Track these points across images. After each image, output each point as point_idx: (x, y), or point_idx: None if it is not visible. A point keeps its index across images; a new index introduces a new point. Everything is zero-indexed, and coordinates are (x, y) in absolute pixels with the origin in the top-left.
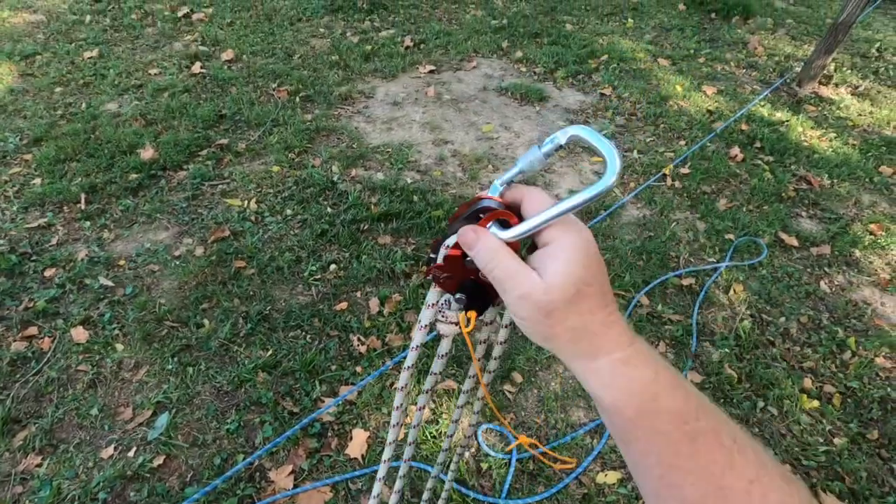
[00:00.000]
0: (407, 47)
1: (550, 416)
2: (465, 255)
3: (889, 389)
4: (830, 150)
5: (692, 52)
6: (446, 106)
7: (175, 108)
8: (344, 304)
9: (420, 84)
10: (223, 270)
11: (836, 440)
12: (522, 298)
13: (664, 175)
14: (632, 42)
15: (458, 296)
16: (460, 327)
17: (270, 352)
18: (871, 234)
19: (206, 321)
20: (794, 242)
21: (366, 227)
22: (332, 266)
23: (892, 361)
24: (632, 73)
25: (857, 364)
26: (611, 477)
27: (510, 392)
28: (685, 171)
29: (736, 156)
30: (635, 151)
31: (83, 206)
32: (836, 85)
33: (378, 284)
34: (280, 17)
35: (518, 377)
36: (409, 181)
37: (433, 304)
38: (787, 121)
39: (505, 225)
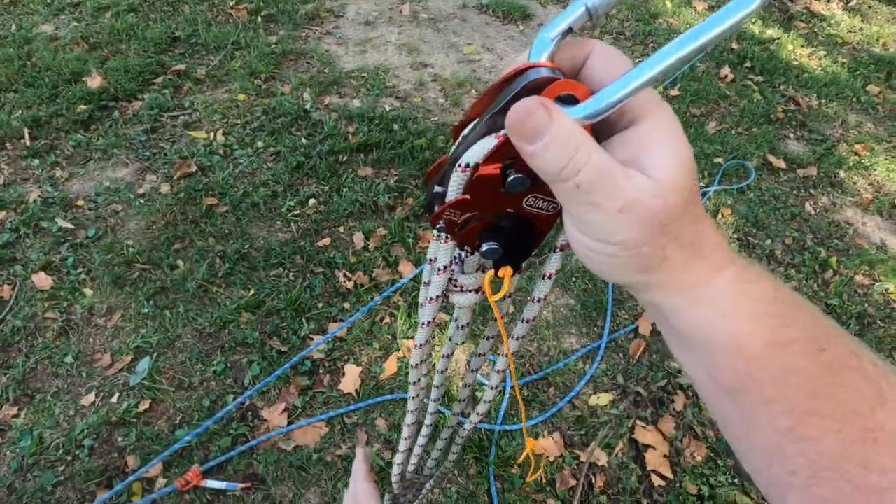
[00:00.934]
0: None
1: (543, 343)
2: (506, 173)
3: (866, 305)
4: (819, 69)
5: None
6: (424, 26)
7: (121, 29)
8: (327, 240)
9: (394, 1)
10: (193, 208)
11: None
12: (625, 211)
13: None
14: None
15: (486, 247)
16: (486, 294)
17: (252, 291)
18: (855, 154)
19: (179, 262)
20: (782, 165)
21: (344, 159)
22: (312, 201)
23: (870, 279)
24: None
25: (837, 283)
26: (603, 399)
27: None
28: (675, 92)
29: (726, 76)
30: None
31: (28, 143)
32: (829, 0)
33: (361, 219)
34: None
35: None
36: (387, 108)
37: (444, 268)
38: (778, 38)
39: (570, 102)
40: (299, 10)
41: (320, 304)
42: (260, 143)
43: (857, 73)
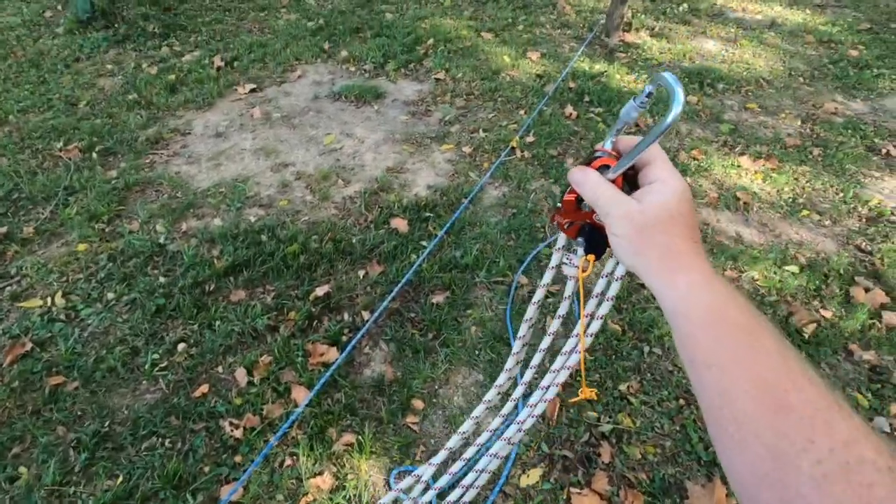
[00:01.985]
0: (219, 68)
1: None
2: (579, 199)
3: None
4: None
5: (510, 21)
6: (278, 125)
7: None
8: (204, 388)
9: (243, 107)
10: (33, 396)
11: None
12: (622, 217)
13: (513, 148)
14: (453, 20)
15: (578, 240)
16: (580, 271)
17: (121, 478)
18: (694, 159)
19: (22, 469)
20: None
21: (212, 288)
22: (181, 346)
23: (737, 271)
24: (460, 53)
25: None
26: (533, 476)
27: (414, 423)
28: (531, 139)
29: (571, 114)
30: (480, 130)
31: None
32: (637, 30)
33: (241, 350)
34: (51, 61)
35: (418, 403)
36: (252, 220)
37: (561, 248)
38: (605, 71)
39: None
40: (139, 137)
41: (206, 468)
42: (110, 295)
43: None
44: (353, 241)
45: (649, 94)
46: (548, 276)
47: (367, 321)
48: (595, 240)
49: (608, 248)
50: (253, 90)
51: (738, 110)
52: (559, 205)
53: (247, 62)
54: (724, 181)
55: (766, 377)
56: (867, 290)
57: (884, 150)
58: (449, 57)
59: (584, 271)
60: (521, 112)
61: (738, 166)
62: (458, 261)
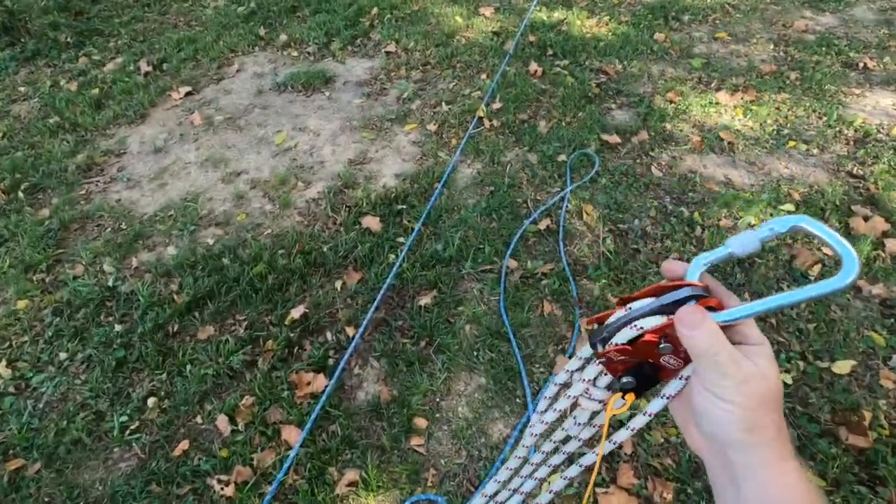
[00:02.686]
0: (146, 73)
1: (471, 447)
2: (659, 340)
3: None
4: (611, 34)
5: None
6: (222, 129)
7: None
8: (184, 444)
9: (180, 114)
10: None
11: None
12: (744, 383)
13: (480, 118)
14: None
15: (625, 379)
16: (606, 408)
17: None
18: (671, 102)
19: None
20: (617, 139)
21: (176, 328)
22: (150, 400)
23: (733, 218)
24: (409, 19)
25: (708, 236)
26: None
27: (419, 445)
28: (497, 105)
29: (536, 71)
30: (443, 104)
31: None
32: None
33: (219, 394)
34: None
35: (421, 422)
36: (210, 242)
37: (590, 380)
38: (565, 18)
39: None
40: (69, 166)
41: None
42: (62, 356)
43: (641, 26)
44: (324, 249)
45: (779, 235)
46: (563, 403)
47: (353, 338)
48: (646, 380)
49: (657, 384)
50: (189, 93)
51: (707, 41)
52: (606, 335)
53: (177, 62)
54: (704, 122)
55: None
56: (866, 218)
57: (860, 64)
58: (397, 25)
59: (614, 410)
60: (483, 76)
61: (717, 103)
62: (440, 254)
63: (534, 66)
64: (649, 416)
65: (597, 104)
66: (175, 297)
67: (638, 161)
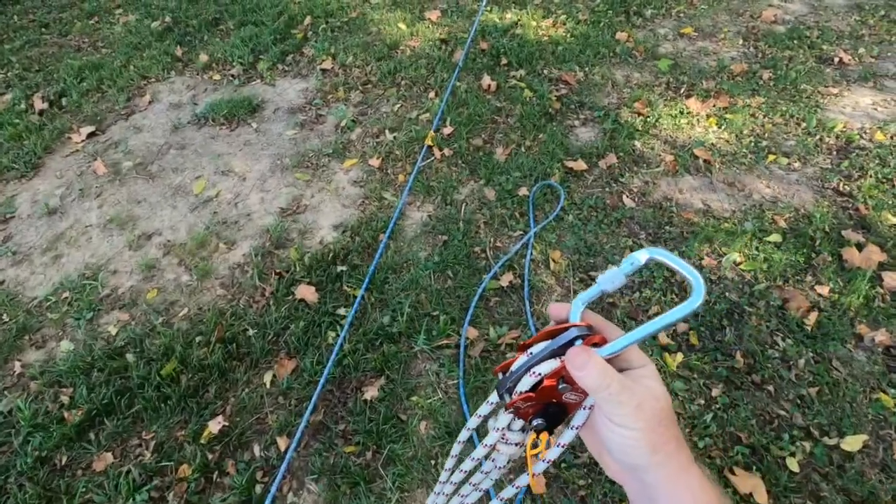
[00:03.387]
0: (41, 112)
1: None
2: (558, 382)
3: (727, 293)
4: (569, 35)
5: None
6: (131, 179)
7: None
8: None
9: (81, 161)
10: None
11: (713, 392)
12: (639, 408)
13: (430, 148)
14: None
15: (536, 422)
16: (525, 450)
17: None
18: (639, 115)
19: None
20: (583, 165)
21: (65, 460)
22: None
23: (716, 255)
24: (346, 29)
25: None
26: None
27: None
28: (448, 130)
29: (489, 86)
30: (387, 131)
31: None
32: None
33: None
34: None
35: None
36: (112, 332)
37: (502, 429)
38: (518, 20)
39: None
40: None
41: None
42: None
43: (601, 25)
44: (250, 333)
45: (641, 268)
46: (481, 452)
47: (286, 453)
48: (555, 417)
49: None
50: (92, 134)
51: (673, 39)
52: (510, 385)
53: (78, 96)
54: (676, 137)
55: None
56: (860, 246)
57: (835, 59)
58: (333, 37)
59: (534, 448)
60: (431, 95)
61: (688, 113)
62: (387, 329)
63: (487, 80)
64: (562, 447)
65: (558, 122)
66: (66, 414)
67: (608, 189)
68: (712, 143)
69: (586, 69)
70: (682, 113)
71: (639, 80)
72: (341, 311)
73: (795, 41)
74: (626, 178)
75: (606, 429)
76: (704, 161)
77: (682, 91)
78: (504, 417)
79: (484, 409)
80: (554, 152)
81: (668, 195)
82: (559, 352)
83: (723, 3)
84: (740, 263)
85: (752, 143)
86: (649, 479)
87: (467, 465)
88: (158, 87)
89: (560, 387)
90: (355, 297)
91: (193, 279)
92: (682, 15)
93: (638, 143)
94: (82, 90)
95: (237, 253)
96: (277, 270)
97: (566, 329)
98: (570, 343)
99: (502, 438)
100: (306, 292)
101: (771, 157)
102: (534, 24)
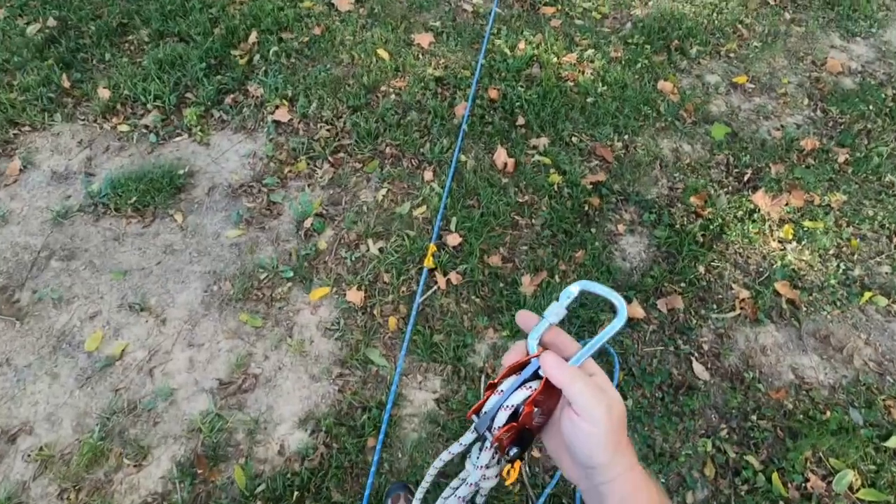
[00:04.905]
0: None
1: None
2: (533, 406)
3: None
4: (599, 80)
5: None
6: None
7: None
8: None
9: None
10: None
11: None
12: (610, 409)
13: (431, 272)
14: None
15: (513, 451)
16: (503, 478)
17: None
18: (697, 216)
19: None
20: (639, 311)
21: None
22: None
23: (823, 473)
24: (307, 54)
25: None
26: None
27: None
28: (456, 239)
29: (505, 165)
30: (370, 241)
31: None
32: None
33: None
34: None
35: None
36: None
37: (484, 466)
38: (535, 55)
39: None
40: None
41: None
42: None
43: (638, 65)
44: None
45: (575, 298)
46: (465, 491)
47: None
48: (526, 443)
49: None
50: None
51: (725, 91)
52: (496, 423)
53: None
54: (748, 257)
55: None
56: None
57: None
58: (290, 66)
59: (507, 475)
60: (428, 175)
61: (758, 216)
62: None
63: (502, 156)
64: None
65: (598, 225)
66: None
67: (672, 348)
68: (793, 270)
69: (625, 137)
70: (750, 215)
71: (691, 156)
72: None
73: (870, 105)
74: (695, 325)
75: (573, 427)
76: (788, 301)
77: (746, 179)
78: (485, 455)
79: (456, 447)
80: (595, 280)
81: (748, 357)
82: (529, 380)
83: (778, 41)
84: (857, 490)
85: (841, 271)
86: (601, 478)
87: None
88: (35, 143)
89: (535, 411)
90: None
91: None
92: (732, 56)
93: (702, 268)
94: None
95: (151, 474)
96: None
97: (529, 362)
98: (535, 373)
99: (484, 478)
100: None
101: (866, 296)
102: (554, 59)
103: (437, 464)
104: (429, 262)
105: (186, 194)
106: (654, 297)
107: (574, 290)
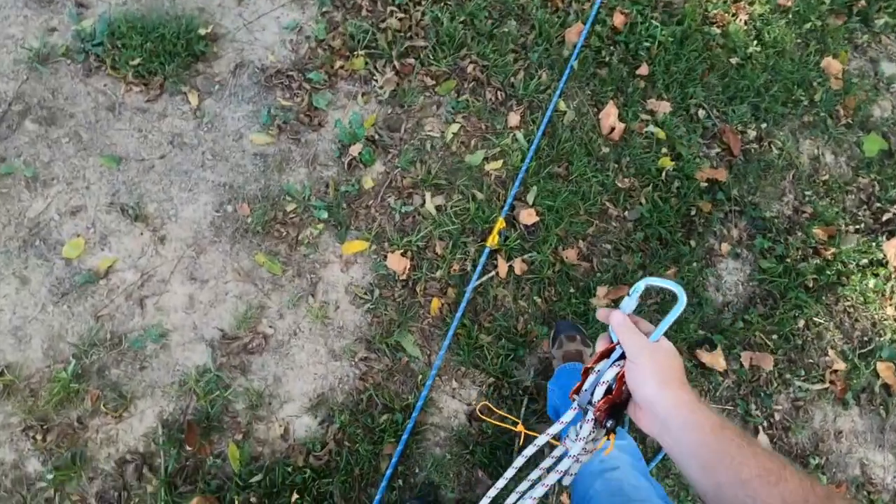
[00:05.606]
0: None
1: None
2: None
3: None
4: (753, 37)
5: None
6: None
7: None
8: None
9: None
10: None
11: None
12: (653, 353)
13: (492, 253)
14: None
15: (610, 423)
16: (607, 446)
17: None
18: (816, 252)
19: None
20: (720, 361)
21: None
22: None
23: None
24: None
25: None
26: None
27: None
28: (531, 216)
29: (613, 129)
30: (427, 194)
31: None
32: None
33: None
34: None
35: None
36: None
37: (585, 439)
38: None
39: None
40: None
41: None
42: None
43: (808, 25)
44: None
45: (641, 293)
46: (566, 464)
47: None
48: (618, 414)
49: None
50: None
51: None
52: (595, 398)
53: None
54: (856, 321)
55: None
56: None
57: None
58: None
59: (605, 451)
60: (513, 117)
61: (883, 270)
62: None
63: (611, 116)
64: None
65: (699, 239)
66: None
67: (741, 408)
68: None
69: (763, 125)
70: (874, 267)
71: (831, 171)
72: None
73: None
74: (773, 390)
75: (628, 371)
76: (883, 386)
77: (885, 219)
78: (586, 427)
79: (556, 427)
80: (684, 317)
81: (819, 439)
82: (619, 361)
83: None
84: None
85: None
86: (661, 410)
87: (552, 477)
88: None
89: (624, 385)
90: None
91: (47, 479)
92: None
93: (802, 322)
94: None
95: (132, 428)
96: (202, 487)
97: (615, 347)
98: (622, 355)
99: (584, 450)
100: None
101: None
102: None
103: (540, 440)
104: (493, 241)
105: (206, 66)
106: (741, 346)
107: (641, 285)
